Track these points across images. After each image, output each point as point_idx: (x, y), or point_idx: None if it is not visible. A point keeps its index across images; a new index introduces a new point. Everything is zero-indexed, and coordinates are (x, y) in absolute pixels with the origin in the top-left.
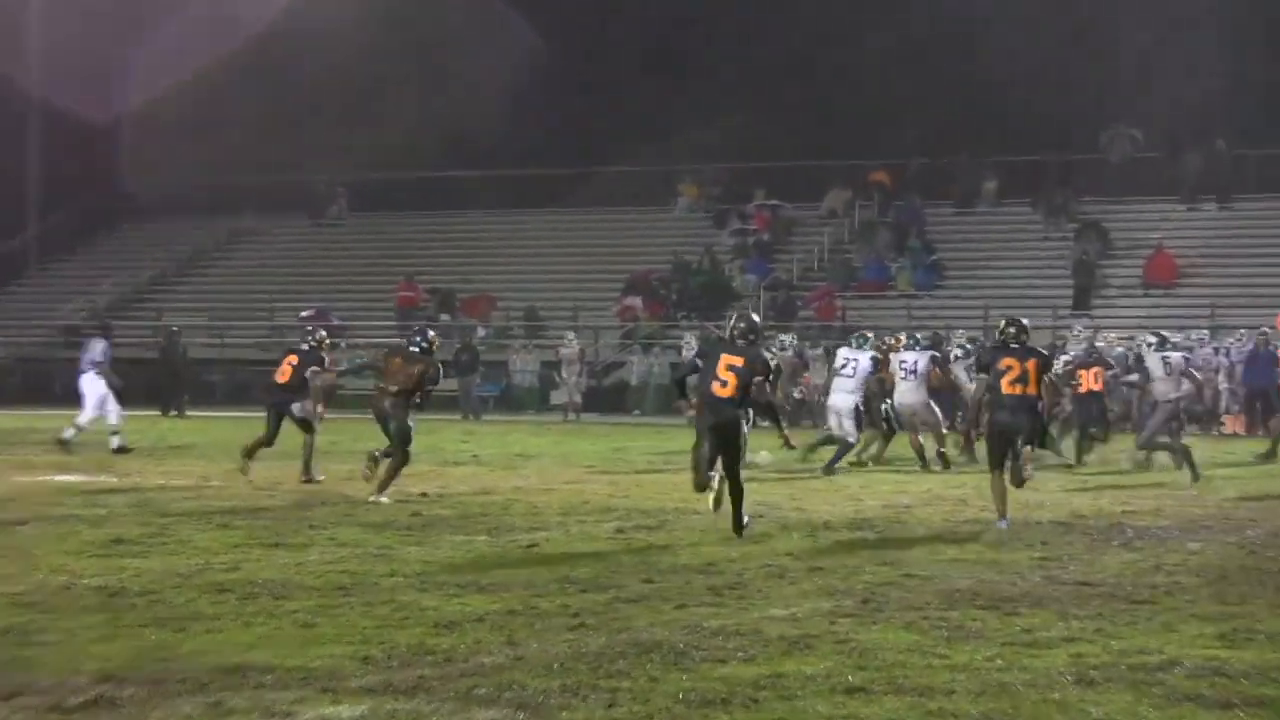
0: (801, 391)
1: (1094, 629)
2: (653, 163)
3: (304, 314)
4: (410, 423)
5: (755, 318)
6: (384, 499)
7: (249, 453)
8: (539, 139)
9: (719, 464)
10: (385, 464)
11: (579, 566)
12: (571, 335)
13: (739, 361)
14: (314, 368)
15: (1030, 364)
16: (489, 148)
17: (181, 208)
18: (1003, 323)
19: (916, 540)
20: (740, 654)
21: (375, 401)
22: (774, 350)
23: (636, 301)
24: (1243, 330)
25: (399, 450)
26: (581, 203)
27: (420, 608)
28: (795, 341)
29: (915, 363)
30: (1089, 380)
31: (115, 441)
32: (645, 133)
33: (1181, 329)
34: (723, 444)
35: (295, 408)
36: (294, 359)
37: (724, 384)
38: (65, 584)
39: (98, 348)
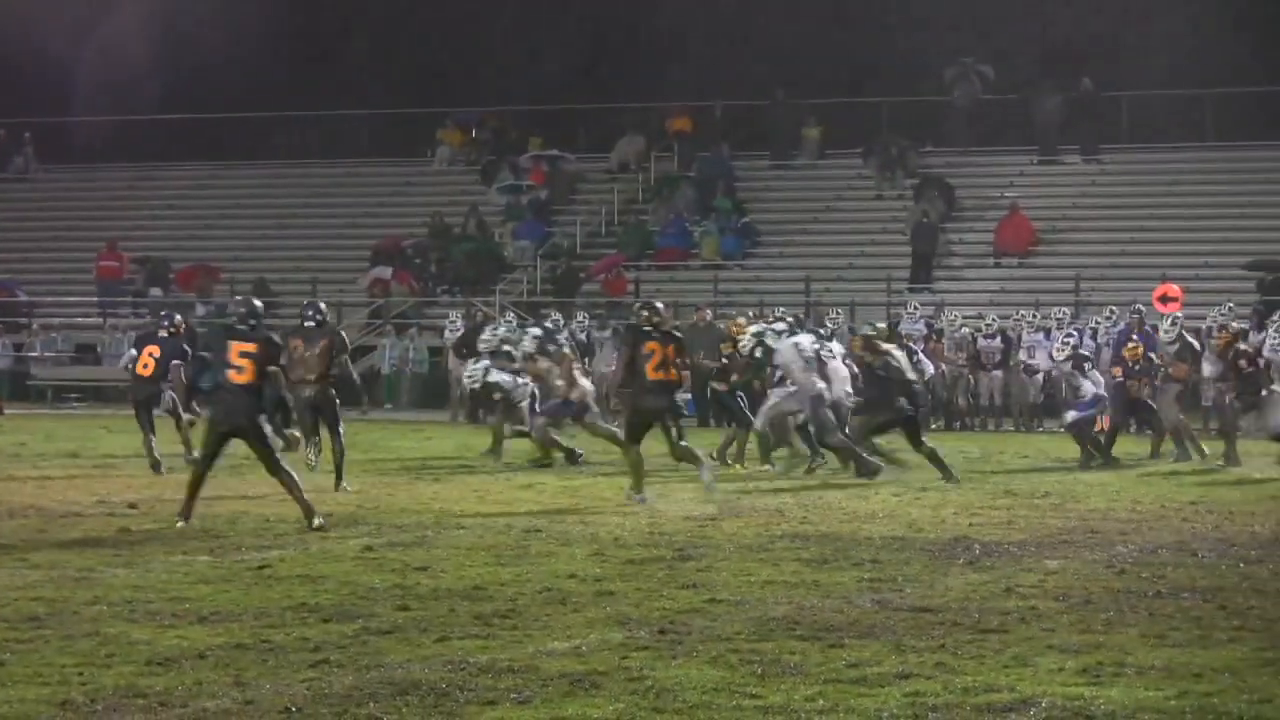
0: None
1: (934, 663)
2: (406, 104)
3: None
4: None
5: (257, 302)
6: (350, 488)
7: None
8: (265, 77)
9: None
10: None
11: (320, 592)
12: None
13: (251, 348)
14: (176, 360)
15: (670, 349)
16: (206, 88)
17: None
18: (637, 305)
19: (723, 559)
20: (514, 695)
21: (295, 393)
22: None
23: (387, 273)
24: (1112, 307)
25: (338, 437)
26: (319, 154)
27: (130, 641)
28: (583, 322)
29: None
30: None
31: None
32: (396, 68)
33: (1040, 305)
34: (240, 436)
35: (166, 398)
36: (155, 350)
37: (240, 370)
38: None
39: None
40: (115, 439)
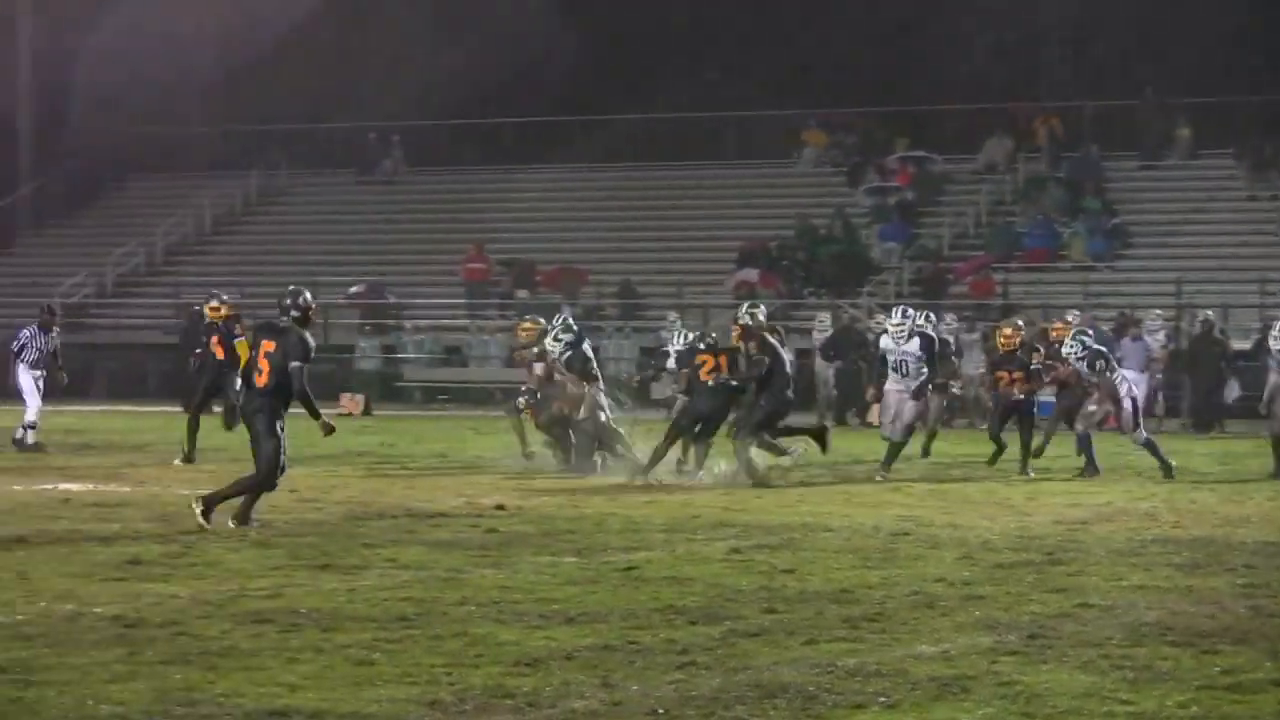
0: (959, 386)
1: None
2: (771, 106)
3: (353, 290)
4: None
5: (307, 295)
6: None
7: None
8: (630, 79)
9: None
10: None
11: (687, 594)
12: (675, 316)
13: (272, 347)
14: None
15: (722, 358)
16: (575, 91)
17: (203, 160)
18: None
19: (1094, 563)
20: (882, 698)
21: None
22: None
23: (753, 275)
24: None
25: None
26: (685, 156)
27: (497, 642)
28: (951, 324)
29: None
30: None
31: (20, 434)
32: (761, 72)
33: None
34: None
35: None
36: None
37: (260, 372)
38: (72, 613)
39: (24, 336)
40: (483, 440)
